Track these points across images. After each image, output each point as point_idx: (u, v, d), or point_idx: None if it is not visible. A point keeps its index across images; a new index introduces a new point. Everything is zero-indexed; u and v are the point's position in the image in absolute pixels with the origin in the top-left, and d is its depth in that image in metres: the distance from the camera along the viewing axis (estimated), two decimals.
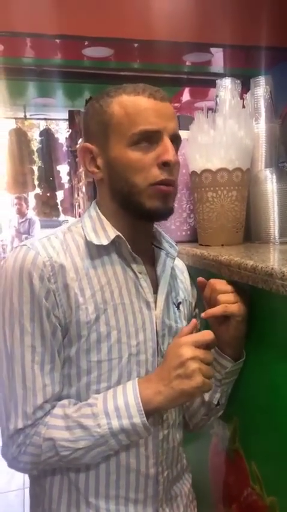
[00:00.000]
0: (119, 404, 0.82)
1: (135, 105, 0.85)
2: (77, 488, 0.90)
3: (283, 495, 0.85)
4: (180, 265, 1.12)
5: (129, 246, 0.89)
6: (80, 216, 3.14)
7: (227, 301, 0.91)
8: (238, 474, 1.01)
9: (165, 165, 0.85)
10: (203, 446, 1.21)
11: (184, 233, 1.44)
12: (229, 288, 0.93)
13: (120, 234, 0.88)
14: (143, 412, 0.81)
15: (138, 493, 0.92)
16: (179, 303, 1.03)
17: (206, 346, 0.86)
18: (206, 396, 1.01)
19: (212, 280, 0.95)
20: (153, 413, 0.84)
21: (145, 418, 0.81)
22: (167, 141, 0.85)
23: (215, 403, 1.00)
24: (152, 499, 0.94)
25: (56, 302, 0.84)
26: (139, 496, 0.92)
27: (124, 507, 0.91)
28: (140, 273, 0.92)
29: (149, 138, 0.85)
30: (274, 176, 1.20)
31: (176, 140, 0.89)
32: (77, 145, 3.07)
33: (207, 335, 0.85)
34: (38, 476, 0.94)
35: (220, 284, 0.94)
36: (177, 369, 0.81)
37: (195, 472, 1.12)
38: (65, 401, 0.86)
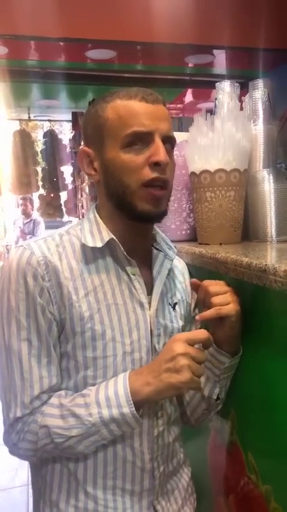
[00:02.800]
0: (109, 394, 0.86)
1: (128, 108, 0.88)
2: (75, 479, 0.93)
3: (277, 483, 0.88)
4: (180, 267, 1.14)
5: (123, 248, 0.92)
6: (83, 217, 3.18)
7: (221, 304, 0.94)
8: (235, 465, 1.04)
9: (156, 165, 0.88)
10: (202, 440, 1.24)
11: (183, 232, 1.48)
12: (221, 289, 0.96)
13: (114, 237, 0.92)
14: (131, 401, 0.84)
15: (134, 485, 0.95)
16: (175, 303, 1.05)
17: (203, 345, 0.89)
18: (206, 391, 1.04)
19: (205, 282, 0.98)
20: (142, 404, 0.88)
21: (133, 408, 0.84)
22: (158, 142, 0.88)
23: (215, 397, 1.03)
24: (147, 492, 0.97)
25: (50, 299, 0.88)
26: (135, 488, 0.95)
27: (121, 498, 0.94)
28: (133, 274, 0.95)
29: (141, 140, 0.88)
30: (271, 176, 1.23)
31: (169, 141, 0.92)
32: (80, 147, 3.11)
33: (201, 334, 0.88)
34: (40, 468, 0.98)
35: (213, 286, 0.96)
36: (167, 362, 0.84)
37: (194, 465, 1.15)
38: (61, 392, 0.90)
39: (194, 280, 1.02)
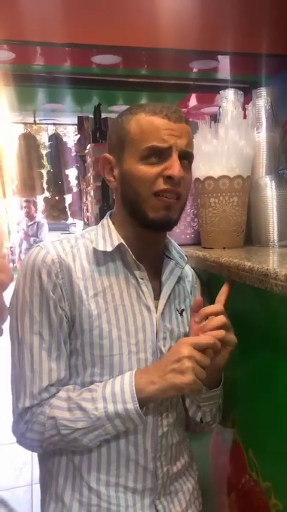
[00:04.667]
0: (115, 390, 0.89)
1: (150, 124, 0.91)
2: (80, 474, 0.97)
3: (277, 480, 0.91)
4: (191, 275, 1.16)
5: (134, 253, 0.96)
6: (88, 220, 3.21)
7: (224, 329, 0.93)
8: (236, 463, 1.07)
9: (169, 179, 0.91)
10: (204, 441, 1.27)
11: (188, 236, 1.51)
12: (221, 313, 0.96)
13: (124, 242, 0.96)
14: (136, 398, 0.88)
15: (137, 483, 0.98)
16: (183, 310, 1.08)
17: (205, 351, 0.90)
18: (190, 412, 1.08)
19: (208, 312, 0.97)
20: (147, 401, 0.91)
21: (137, 405, 0.88)
22: (174, 157, 0.91)
23: (199, 420, 1.07)
24: (150, 491, 1.00)
25: (62, 295, 0.92)
26: (138, 486, 0.98)
27: (123, 495, 0.97)
28: (142, 279, 0.98)
29: (159, 154, 0.91)
30: (274, 183, 1.25)
31: (187, 157, 0.95)
32: (86, 150, 3.13)
33: (207, 339, 0.90)
34: (47, 462, 1.01)
35: (216, 320, 0.95)
36: (173, 363, 0.88)
37: (196, 463, 1.17)
38: (69, 386, 0.94)
39: (197, 299, 1.02)
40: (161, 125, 0.91)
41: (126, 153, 0.94)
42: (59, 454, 0.98)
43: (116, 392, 0.89)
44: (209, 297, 1.19)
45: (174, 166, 0.90)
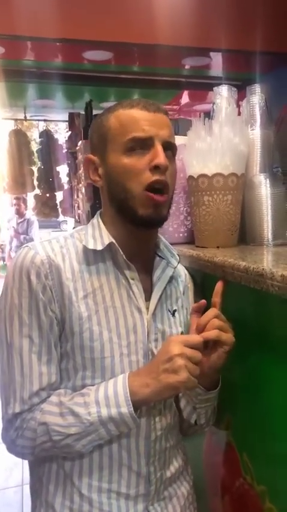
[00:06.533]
0: (108, 394, 0.87)
1: (129, 116, 0.92)
2: (71, 481, 0.94)
3: (272, 483, 0.89)
4: (183, 275, 1.15)
5: (124, 253, 0.94)
6: (79, 217, 3.18)
7: (220, 328, 0.93)
8: (230, 466, 1.06)
9: (156, 169, 0.90)
10: (197, 443, 1.26)
11: (181, 235, 1.49)
12: (222, 318, 0.95)
13: (114, 241, 0.94)
14: (130, 401, 0.86)
15: (129, 489, 0.96)
16: (175, 310, 1.06)
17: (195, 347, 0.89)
18: (185, 414, 1.07)
19: (209, 315, 0.96)
20: (141, 404, 0.89)
21: (131, 408, 0.86)
22: (158, 147, 0.90)
23: (193, 422, 1.05)
24: (143, 497, 0.97)
25: (52, 297, 0.90)
26: (130, 492, 0.96)
27: (115, 501, 0.95)
28: (132, 279, 0.97)
29: (141, 145, 0.91)
30: (268, 181, 1.24)
31: (169, 147, 0.94)
32: (77, 147, 3.10)
33: (196, 338, 0.90)
34: (37, 469, 0.99)
35: (218, 322, 0.94)
36: (165, 363, 0.86)
37: (190, 466, 1.16)
38: (61, 391, 0.91)
39: (200, 303, 1.01)
40: (140, 116, 0.91)
41: (109, 149, 0.94)
42: (50, 460, 0.96)
43: (109, 396, 0.87)
44: (202, 297, 1.17)
45: (159, 156, 0.90)
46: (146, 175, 0.90)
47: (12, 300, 0.90)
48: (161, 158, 0.89)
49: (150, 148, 0.91)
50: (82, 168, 2.82)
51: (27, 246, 0.94)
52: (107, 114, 0.96)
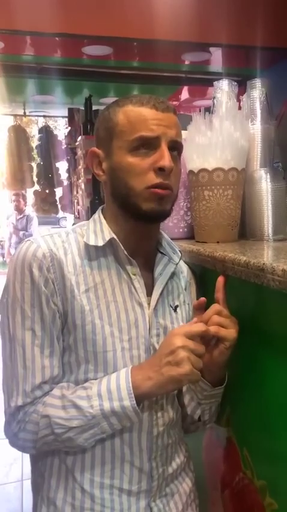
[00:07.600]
0: (111, 387, 0.87)
1: (138, 114, 0.90)
2: (73, 477, 0.94)
3: (272, 478, 0.89)
4: (186, 271, 1.14)
5: (126, 248, 0.94)
6: (78, 213, 3.18)
7: (221, 324, 0.93)
8: (230, 461, 1.06)
9: (160, 170, 0.89)
10: (197, 437, 1.25)
11: (181, 230, 1.48)
12: (225, 313, 0.96)
13: (115, 237, 0.94)
14: (132, 395, 0.86)
15: (132, 485, 0.95)
16: (177, 306, 1.06)
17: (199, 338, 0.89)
18: (189, 409, 1.06)
19: (211, 312, 0.95)
20: (144, 398, 0.89)
21: (134, 401, 0.85)
22: (164, 148, 0.90)
23: (197, 418, 1.05)
24: (145, 493, 0.97)
25: (54, 290, 0.90)
26: (132, 488, 0.96)
27: (118, 497, 0.95)
28: (134, 274, 0.96)
29: (147, 145, 0.90)
30: (269, 176, 1.24)
31: (176, 147, 0.94)
32: (77, 143, 3.09)
33: (197, 326, 0.89)
34: (39, 465, 0.98)
35: (218, 318, 0.94)
36: (167, 356, 0.86)
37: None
38: (63, 384, 0.91)
39: (195, 303, 1.00)
40: (149, 114, 0.90)
41: (115, 145, 0.93)
42: (51, 455, 0.96)
43: (112, 390, 0.87)
44: (203, 291, 1.17)
45: (164, 157, 0.89)
46: (150, 177, 0.90)
47: (14, 293, 0.90)
48: (166, 160, 0.89)
49: (156, 148, 0.90)
50: (82, 164, 2.81)
51: (29, 240, 0.94)
52: (115, 108, 0.94)
